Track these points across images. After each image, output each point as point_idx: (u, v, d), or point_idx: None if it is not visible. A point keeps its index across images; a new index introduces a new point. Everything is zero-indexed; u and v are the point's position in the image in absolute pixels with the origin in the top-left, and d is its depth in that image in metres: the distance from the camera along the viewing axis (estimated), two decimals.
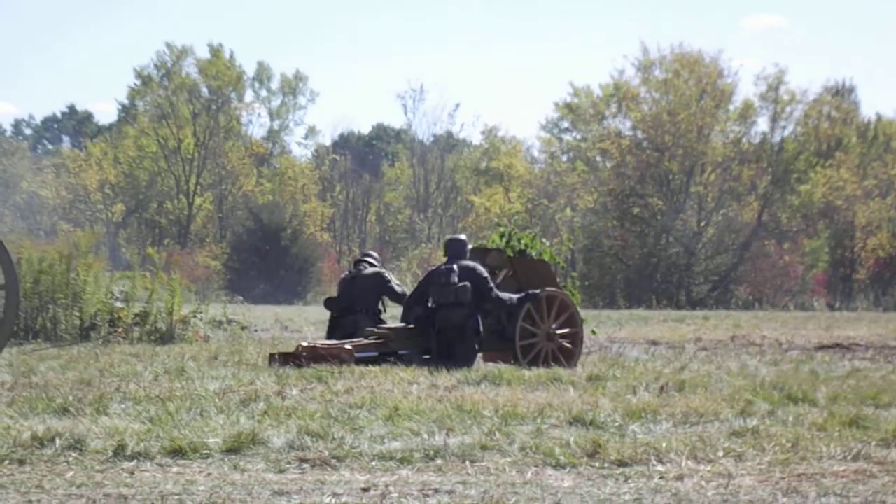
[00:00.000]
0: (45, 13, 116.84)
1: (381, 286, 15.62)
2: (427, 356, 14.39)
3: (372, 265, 15.92)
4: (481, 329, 14.44)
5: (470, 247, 15.31)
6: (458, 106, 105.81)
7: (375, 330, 14.62)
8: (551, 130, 66.80)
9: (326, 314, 16.22)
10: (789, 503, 6.73)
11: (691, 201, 59.56)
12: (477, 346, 14.50)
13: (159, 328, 19.67)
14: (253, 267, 60.16)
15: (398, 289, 15.61)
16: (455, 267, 14.68)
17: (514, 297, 14.86)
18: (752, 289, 55.95)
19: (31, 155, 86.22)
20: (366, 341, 14.40)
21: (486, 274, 14.72)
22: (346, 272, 16.34)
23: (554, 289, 15.37)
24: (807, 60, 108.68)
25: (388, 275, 15.86)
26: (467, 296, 14.33)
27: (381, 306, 15.67)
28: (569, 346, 15.19)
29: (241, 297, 39.99)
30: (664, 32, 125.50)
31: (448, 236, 17.38)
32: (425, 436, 8.47)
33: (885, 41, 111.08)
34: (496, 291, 14.70)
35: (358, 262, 16.13)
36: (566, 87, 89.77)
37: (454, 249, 15.00)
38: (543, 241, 16.19)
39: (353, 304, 15.48)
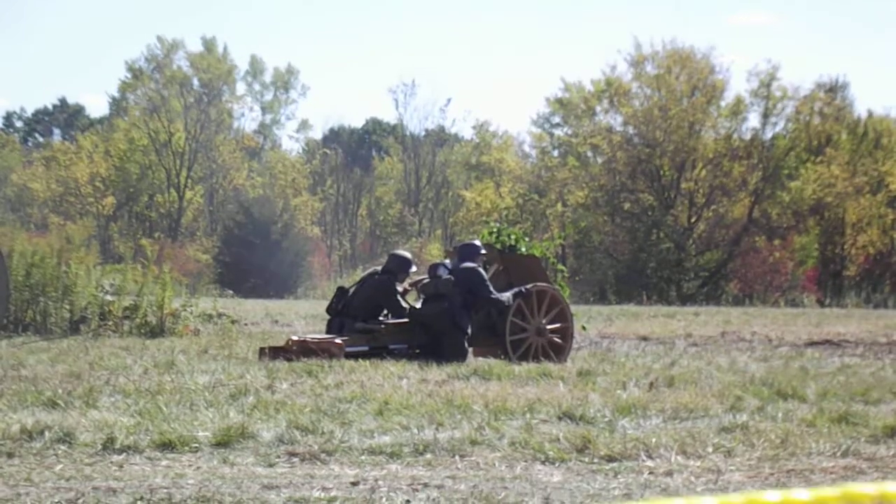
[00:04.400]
0: (35, 5, 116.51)
1: (382, 296, 14.78)
2: (418, 350, 14.39)
3: (385, 272, 14.89)
4: (469, 326, 14.40)
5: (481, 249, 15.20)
6: (449, 101, 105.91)
7: (366, 325, 14.60)
8: (542, 125, 66.76)
9: (316, 308, 16.10)
10: None
11: (682, 197, 59.53)
12: (466, 343, 14.46)
13: (149, 321, 19.64)
14: (243, 261, 60.05)
15: (402, 303, 14.74)
16: (447, 261, 14.73)
17: (511, 297, 14.82)
18: (743, 285, 55.99)
19: (21, 147, 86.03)
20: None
21: (484, 276, 14.70)
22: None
23: (544, 284, 15.37)
24: (798, 57, 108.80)
25: (398, 285, 14.83)
26: (449, 288, 14.32)
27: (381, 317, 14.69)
28: (559, 341, 15.19)
29: (231, 291, 39.94)
30: (656, 28, 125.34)
31: (462, 242, 17.27)
32: (415, 430, 8.46)
33: (876, 38, 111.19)
34: (495, 294, 14.65)
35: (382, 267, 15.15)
36: (558, 83, 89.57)
37: (463, 253, 14.97)
38: (525, 238, 16.13)
39: (350, 312, 14.72)
